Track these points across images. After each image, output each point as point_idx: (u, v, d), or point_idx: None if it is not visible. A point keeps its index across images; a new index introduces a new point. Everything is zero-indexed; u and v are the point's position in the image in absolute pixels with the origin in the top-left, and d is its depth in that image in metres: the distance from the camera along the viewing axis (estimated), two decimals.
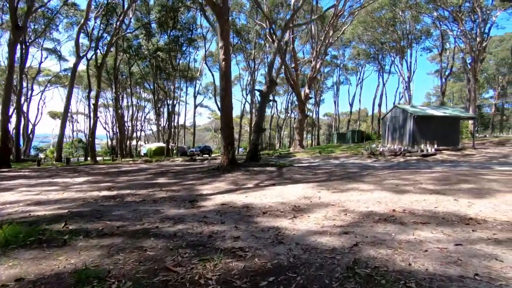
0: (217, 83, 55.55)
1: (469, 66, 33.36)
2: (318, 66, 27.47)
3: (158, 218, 4.05)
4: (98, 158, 37.72)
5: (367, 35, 41.19)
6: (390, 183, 6.28)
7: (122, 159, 31.04)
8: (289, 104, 57.18)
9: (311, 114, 64.76)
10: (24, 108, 41.97)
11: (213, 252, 2.62)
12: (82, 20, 20.09)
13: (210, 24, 17.71)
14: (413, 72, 43.57)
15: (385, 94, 55.90)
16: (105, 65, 36.62)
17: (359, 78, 54.97)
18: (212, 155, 35.94)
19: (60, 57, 42.48)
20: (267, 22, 24.16)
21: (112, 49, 27.02)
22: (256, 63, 52.50)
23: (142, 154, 37.27)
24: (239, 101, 45.55)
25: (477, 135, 37.43)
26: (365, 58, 49.53)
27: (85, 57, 23.53)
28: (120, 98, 46.96)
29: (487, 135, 37.78)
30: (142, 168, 14.66)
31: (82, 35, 27.98)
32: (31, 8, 16.20)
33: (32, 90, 42.41)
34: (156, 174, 10.91)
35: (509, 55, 44.12)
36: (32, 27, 33.40)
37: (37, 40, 37.59)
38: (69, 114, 64.29)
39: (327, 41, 27.17)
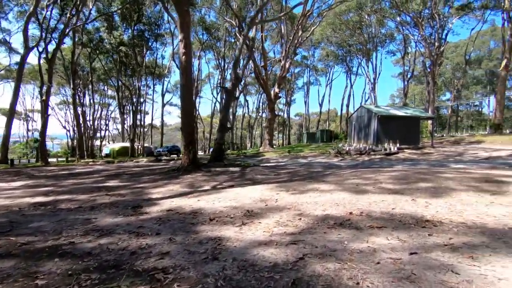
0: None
1: (428, 69, 35.27)
2: (287, 65, 27.47)
3: (83, 230, 3.42)
4: (53, 160, 34.99)
5: (335, 36, 42.17)
6: (351, 183, 6.08)
7: (82, 160, 28.96)
8: (261, 104, 57.13)
9: (282, 114, 65.36)
10: None
11: (125, 277, 2.10)
12: (32, 8, 18.25)
13: (170, 16, 16.83)
14: (379, 74, 45.43)
15: (353, 95, 57.62)
16: (62, 60, 34.11)
17: (328, 79, 56.33)
18: (181, 155, 34.79)
19: (11, 49, 38.79)
20: (237, 20, 23.71)
21: (68, 42, 24.99)
22: (226, 61, 51.94)
23: (104, 155, 35.14)
24: (210, 100, 44.59)
25: (436, 134, 39.77)
26: (334, 59, 50.76)
27: (36, 50, 21.46)
28: (82, 95, 44.06)
29: (444, 135, 40.31)
30: (97, 170, 13.53)
31: (33, 25, 25.71)
32: None
33: None
34: (109, 176, 10.01)
35: (463, 60, 47.40)
36: None
37: None
38: (23, 112, 59.41)
39: (296, 41, 27.26)
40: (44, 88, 19.83)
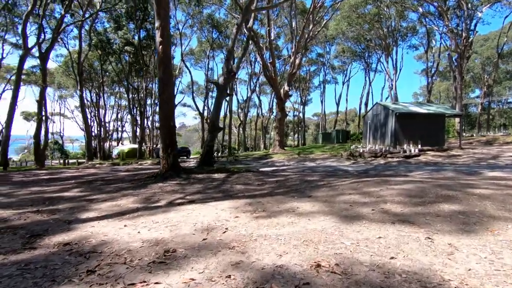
0: (196, 80, 53.38)
1: (455, 63, 32.29)
2: (297, 61, 25.77)
3: None
4: (73, 161, 35.23)
5: (352, 31, 39.80)
6: (344, 201, 4.49)
7: (90, 162, 28.72)
8: (274, 104, 55.48)
9: (297, 113, 63.44)
10: None
11: None
12: (29, 7, 17.85)
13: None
14: (399, 70, 42.55)
15: (372, 93, 54.91)
16: (72, 61, 34.25)
17: (346, 77, 53.80)
18: (191, 157, 33.98)
19: (30, 54, 39.64)
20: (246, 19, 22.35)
21: (73, 42, 24.63)
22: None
23: (114, 156, 34.96)
24: (224, 100, 43.68)
25: (464, 134, 36.50)
26: (351, 56, 48.30)
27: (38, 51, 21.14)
28: (96, 97, 44.46)
29: (474, 135, 36.92)
30: (81, 174, 12.60)
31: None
32: None
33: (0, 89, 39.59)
34: (80, 183, 8.91)
35: (495, 53, 43.47)
36: None
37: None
38: (43, 114, 61.19)
39: (306, 35, 25.53)
40: (68, 91, 19.34)
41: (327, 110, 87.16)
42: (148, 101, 48.52)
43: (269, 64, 24.57)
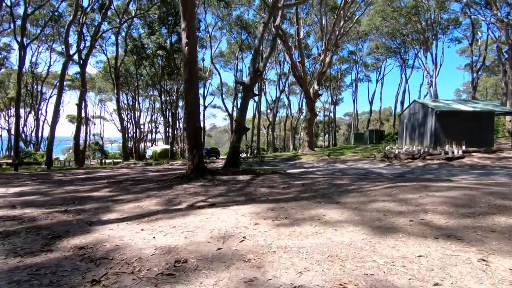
0: (226, 82, 54.13)
1: (505, 56, 29.35)
2: (328, 59, 24.94)
3: None
4: (110, 161, 37.34)
5: (386, 26, 37.79)
6: (377, 209, 4.03)
7: (125, 162, 30.16)
8: (303, 104, 54.50)
9: (328, 113, 61.81)
10: (42, 112, 42.70)
11: None
12: (71, 17, 19.14)
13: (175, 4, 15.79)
14: (440, 65, 39.60)
15: (408, 91, 51.48)
16: (110, 66, 36.25)
17: (380, 74, 51.38)
18: (221, 157, 34.36)
19: (72, 60, 42.76)
20: (273, 17, 22.07)
21: (111, 49, 25.94)
22: (269, 61, 50.64)
23: (148, 156, 36.41)
24: (252, 101, 43.83)
25: None
26: (385, 52, 45.98)
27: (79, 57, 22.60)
28: (132, 100, 46.70)
29: None
30: (114, 174, 13.11)
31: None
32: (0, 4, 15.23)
33: (49, 94, 43.06)
34: (110, 183, 9.19)
35: None
36: (41, 30, 33.58)
37: (48, 43, 37.97)
38: (86, 117, 65.74)
39: (337, 32, 24.62)
40: (107, 95, 20.57)
41: (359, 109, 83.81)
42: (180, 103, 50.10)
43: (298, 63, 24.05)
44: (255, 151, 37.55)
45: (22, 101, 45.13)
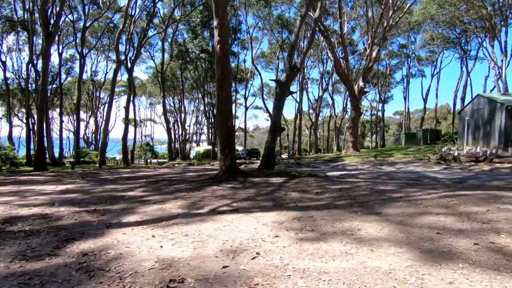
0: (267, 83, 53.88)
1: None
2: (374, 54, 23.17)
3: None
4: (162, 160, 39.55)
5: (443, 14, 34.05)
6: (429, 225, 3.24)
7: (170, 162, 31.58)
8: (349, 102, 51.90)
9: (376, 112, 58.17)
10: (98, 116, 46.95)
11: None
12: (121, 26, 20.51)
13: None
14: (510, 55, 34.50)
15: (470, 85, 45.97)
16: (157, 71, 38.39)
17: (435, 69, 46.71)
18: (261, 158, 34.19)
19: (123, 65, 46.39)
20: (313, 10, 21.19)
21: (158, 54, 27.23)
22: (311, 60, 49.27)
23: (191, 157, 37.72)
24: (295, 101, 42.83)
25: None
26: (442, 43, 41.54)
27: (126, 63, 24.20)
28: (179, 103, 48.97)
29: None
30: (155, 174, 13.54)
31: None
32: (60, 14, 16.79)
33: (106, 99, 47.15)
34: (147, 183, 9.38)
35: None
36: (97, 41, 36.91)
37: (105, 52, 41.55)
38: (138, 120, 70.91)
39: (385, 24, 22.75)
40: (156, 99, 21.88)
41: (411, 107, 77.53)
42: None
43: (341, 59, 22.74)
44: (293, 152, 36.70)
45: (85, 106, 50.15)
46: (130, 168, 18.13)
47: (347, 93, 47.71)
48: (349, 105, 51.23)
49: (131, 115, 44.37)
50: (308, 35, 29.82)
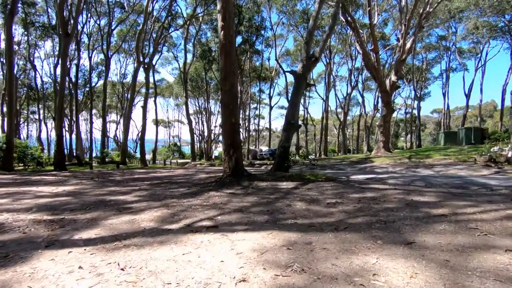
0: (291, 81, 52.25)
1: None
2: (408, 45, 21.00)
3: None
4: (187, 161, 39.79)
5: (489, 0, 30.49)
6: (494, 271, 1.96)
7: (192, 162, 31.34)
8: (380, 100, 48.73)
9: (411, 110, 54.23)
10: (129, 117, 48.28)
11: None
12: (140, 27, 20.44)
13: None
14: None
15: None
16: (181, 72, 38.49)
17: (479, 61, 42.32)
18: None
19: (154, 70, 47.34)
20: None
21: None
22: (339, 56, 47.09)
23: (213, 157, 37.36)
24: (321, 100, 40.93)
25: None
26: (488, 32, 37.38)
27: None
28: (204, 103, 49.09)
29: None
30: (166, 175, 12.91)
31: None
32: (77, 16, 16.88)
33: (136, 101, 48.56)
34: (150, 185, 8.65)
35: None
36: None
37: (133, 55, 42.51)
38: (166, 121, 72.65)
39: (421, 11, 20.52)
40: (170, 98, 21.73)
41: (451, 104, 71.49)
42: (251, 106, 50.65)
43: (370, 51, 20.85)
44: (307, 154, 34.89)
45: (115, 107, 52.01)
46: (146, 169, 17.83)
47: (378, 89, 44.82)
48: (380, 103, 48.22)
49: (153, 115, 45.02)
50: (319, 14, 27.87)
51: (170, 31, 24.37)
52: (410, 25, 21.13)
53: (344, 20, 21.80)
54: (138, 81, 50.76)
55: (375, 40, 20.66)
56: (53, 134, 47.75)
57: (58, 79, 23.38)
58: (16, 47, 32.39)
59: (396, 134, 64.03)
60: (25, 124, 45.97)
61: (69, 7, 16.20)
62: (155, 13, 24.09)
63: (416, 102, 48.81)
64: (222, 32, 7.44)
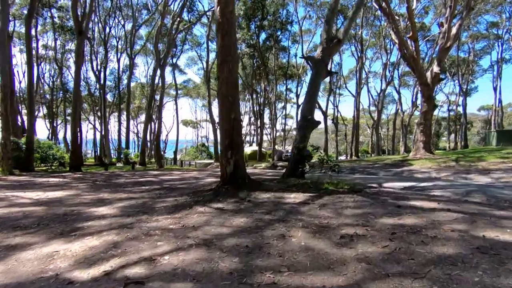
0: None
1: None
2: (454, 30, 18.20)
3: None
4: (201, 162, 39.37)
5: None
6: None
7: (215, 163, 30.56)
8: (419, 97, 44.52)
9: (455, 107, 49.17)
10: (154, 118, 49.18)
11: None
12: (159, 23, 19.90)
13: None
14: None
15: None
16: (204, 71, 37.96)
17: None
18: (312, 160, 31.01)
19: (180, 70, 47.66)
20: None
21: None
22: (372, 51, 43.94)
23: None
24: (353, 97, 38.18)
25: None
26: None
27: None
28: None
29: None
30: (174, 178, 11.89)
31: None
32: (90, 13, 16.57)
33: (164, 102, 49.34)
34: (147, 191, 7.58)
35: None
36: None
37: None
38: (194, 121, 73.39)
39: None
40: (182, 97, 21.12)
41: (504, 100, 63.82)
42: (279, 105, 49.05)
43: (408, 39, 18.40)
44: (356, 155, 32.34)
45: (144, 109, 53.19)
46: (161, 171, 17.06)
47: (417, 85, 40.87)
48: (419, 100, 44.05)
49: (181, 117, 45.00)
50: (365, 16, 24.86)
51: (191, 27, 23.77)
52: (457, 8, 18.33)
53: (377, 6, 19.56)
54: (167, 83, 51.51)
55: (414, 26, 18.16)
56: (89, 135, 49.86)
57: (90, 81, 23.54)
58: (51, 52, 33.97)
59: (437, 134, 58.63)
60: (63, 125, 48.41)
61: (82, 6, 16.17)
62: (173, 9, 23.62)
63: (461, 98, 43.98)
64: (219, 7, 6.09)
